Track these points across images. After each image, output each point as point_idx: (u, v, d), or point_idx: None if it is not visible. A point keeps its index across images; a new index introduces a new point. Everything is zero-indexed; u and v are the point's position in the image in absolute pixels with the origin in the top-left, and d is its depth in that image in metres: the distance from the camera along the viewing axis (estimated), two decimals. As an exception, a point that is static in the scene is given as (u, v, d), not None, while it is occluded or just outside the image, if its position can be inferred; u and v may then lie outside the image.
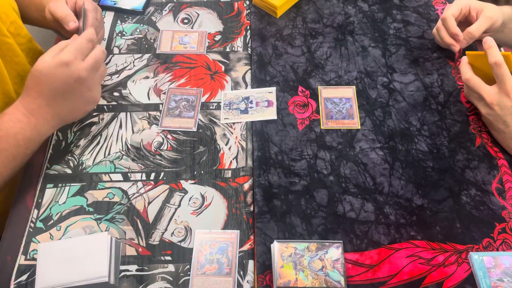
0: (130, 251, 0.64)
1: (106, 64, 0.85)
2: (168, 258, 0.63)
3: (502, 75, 0.67)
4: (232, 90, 0.81)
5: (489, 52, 0.67)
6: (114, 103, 0.79)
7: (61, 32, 0.83)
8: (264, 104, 0.78)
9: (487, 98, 0.69)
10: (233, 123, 0.76)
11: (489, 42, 0.68)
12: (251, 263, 0.63)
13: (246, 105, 0.78)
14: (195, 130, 0.76)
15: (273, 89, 0.80)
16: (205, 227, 0.66)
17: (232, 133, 0.75)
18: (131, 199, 0.68)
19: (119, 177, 0.70)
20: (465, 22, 0.82)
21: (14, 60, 0.80)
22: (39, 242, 0.64)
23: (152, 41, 0.89)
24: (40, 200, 0.68)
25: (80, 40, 0.67)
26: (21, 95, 0.66)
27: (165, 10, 0.94)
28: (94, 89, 0.69)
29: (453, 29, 0.79)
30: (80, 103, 0.69)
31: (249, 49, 0.87)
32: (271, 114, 0.77)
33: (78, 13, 0.78)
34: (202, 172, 0.71)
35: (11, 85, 0.78)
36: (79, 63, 0.66)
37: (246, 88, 0.81)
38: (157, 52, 0.87)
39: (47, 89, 0.65)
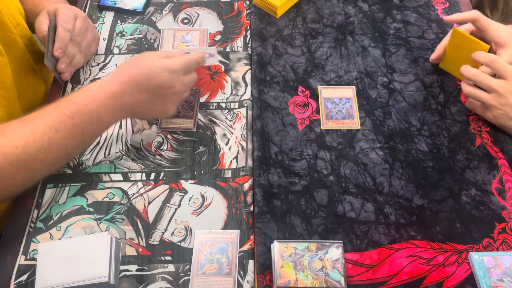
0: (130, 251, 0.64)
1: (106, 64, 0.85)
2: (168, 258, 0.63)
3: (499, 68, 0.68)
4: (232, 90, 0.81)
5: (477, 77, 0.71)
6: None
7: None
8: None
9: (499, 89, 0.68)
10: (231, 120, 0.77)
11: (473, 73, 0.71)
12: (251, 263, 0.62)
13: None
14: (195, 130, 0.76)
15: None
16: (205, 227, 0.65)
17: (232, 133, 0.75)
18: (131, 199, 0.68)
19: (119, 177, 0.70)
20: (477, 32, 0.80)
21: (19, 56, 0.81)
22: (39, 242, 0.64)
23: (152, 41, 0.89)
24: (40, 200, 0.68)
25: (190, 57, 0.71)
26: (110, 75, 0.68)
27: (165, 10, 0.94)
28: (174, 104, 0.71)
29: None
30: (157, 109, 0.70)
31: (249, 49, 0.87)
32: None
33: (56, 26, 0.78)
34: (202, 172, 0.71)
35: (12, 80, 0.78)
36: (181, 76, 0.69)
37: (246, 88, 0.81)
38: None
39: (141, 82, 0.66)
